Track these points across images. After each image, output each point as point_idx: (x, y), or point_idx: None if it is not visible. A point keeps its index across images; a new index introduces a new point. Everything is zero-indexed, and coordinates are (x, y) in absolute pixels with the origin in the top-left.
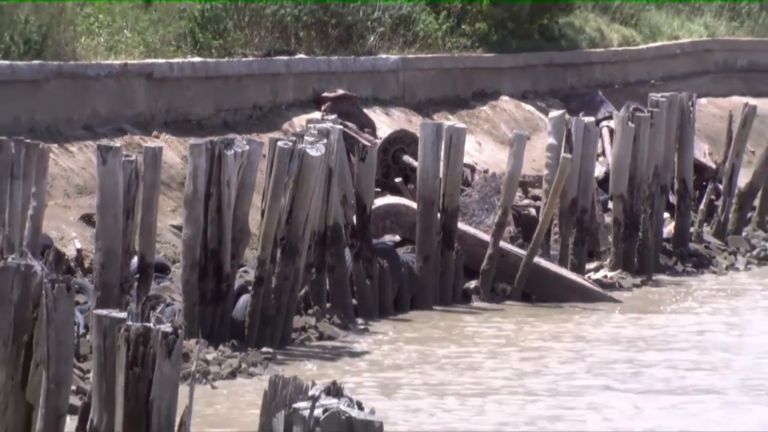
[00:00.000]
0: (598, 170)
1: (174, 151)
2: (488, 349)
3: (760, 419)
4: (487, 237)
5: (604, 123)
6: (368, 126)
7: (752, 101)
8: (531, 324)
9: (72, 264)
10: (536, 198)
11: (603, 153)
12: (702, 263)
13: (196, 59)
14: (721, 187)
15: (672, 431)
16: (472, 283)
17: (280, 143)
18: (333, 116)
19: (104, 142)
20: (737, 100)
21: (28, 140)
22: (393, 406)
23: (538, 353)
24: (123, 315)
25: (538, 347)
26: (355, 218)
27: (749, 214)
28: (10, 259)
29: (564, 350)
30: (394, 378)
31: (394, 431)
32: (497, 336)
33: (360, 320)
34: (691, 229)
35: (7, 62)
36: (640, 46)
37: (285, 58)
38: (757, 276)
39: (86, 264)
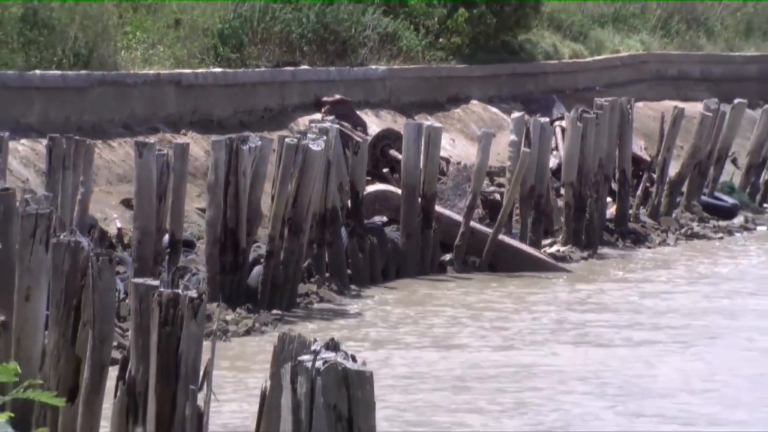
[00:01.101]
0: (552, 162)
1: (198, 146)
2: (459, 311)
3: (680, 367)
4: (459, 218)
5: (557, 123)
6: (360, 125)
7: (681, 105)
8: (495, 290)
9: (113, 240)
10: (500, 185)
11: (556, 148)
12: (639, 239)
13: (217, 70)
14: (654, 176)
15: (609, 372)
16: (447, 256)
17: (287, 140)
18: (331, 117)
19: (140, 138)
20: (668, 104)
21: (77, 137)
22: (381, 356)
23: (501, 313)
24: (156, 283)
25: (501, 308)
26: (349, 202)
27: (678, 199)
28: (62, 237)
29: (522, 311)
30: (381, 334)
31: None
32: (467, 300)
33: (354, 287)
34: (630, 211)
35: (59, 72)
36: (587, 59)
37: (291, 68)
38: (684, 250)
39: (125, 240)
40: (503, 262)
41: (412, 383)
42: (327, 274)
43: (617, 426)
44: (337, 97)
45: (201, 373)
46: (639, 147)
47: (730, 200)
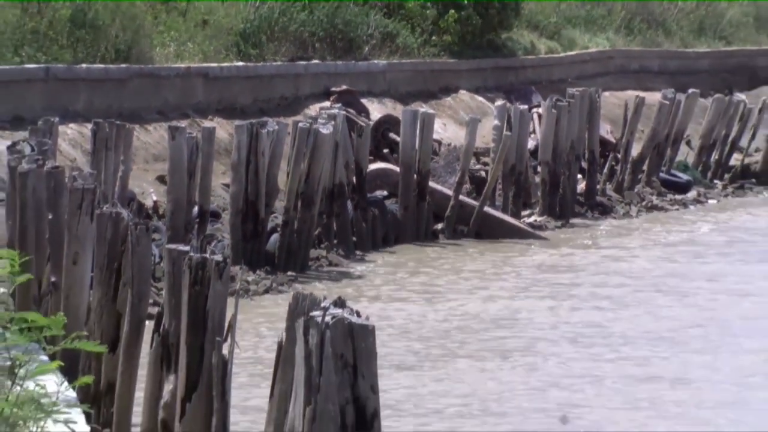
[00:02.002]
0: (530, 144)
1: (223, 130)
2: (449, 272)
3: (635, 319)
4: (449, 192)
5: (535, 110)
6: (364, 112)
7: (642, 94)
8: (481, 254)
9: (149, 212)
10: (485, 164)
11: (534, 131)
12: (605, 211)
13: (240, 63)
14: (619, 156)
15: (578, 322)
16: (439, 225)
17: (300, 124)
18: (338, 105)
19: (173, 123)
20: (631, 93)
21: (118, 122)
22: (382, 311)
23: (485, 274)
24: (187, 249)
25: (485, 269)
26: (354, 178)
27: (639, 176)
28: (104, 209)
29: (503, 272)
30: (382, 292)
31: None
32: (456, 263)
33: (358, 252)
34: (598, 187)
35: (102, 66)
36: (561, 54)
37: (304, 62)
38: (644, 220)
39: (160, 211)
40: (488, 231)
41: (408, 332)
42: (335, 241)
43: (583, 366)
44: (344, 87)
45: (225, 327)
46: (605, 131)
47: (684, 177)
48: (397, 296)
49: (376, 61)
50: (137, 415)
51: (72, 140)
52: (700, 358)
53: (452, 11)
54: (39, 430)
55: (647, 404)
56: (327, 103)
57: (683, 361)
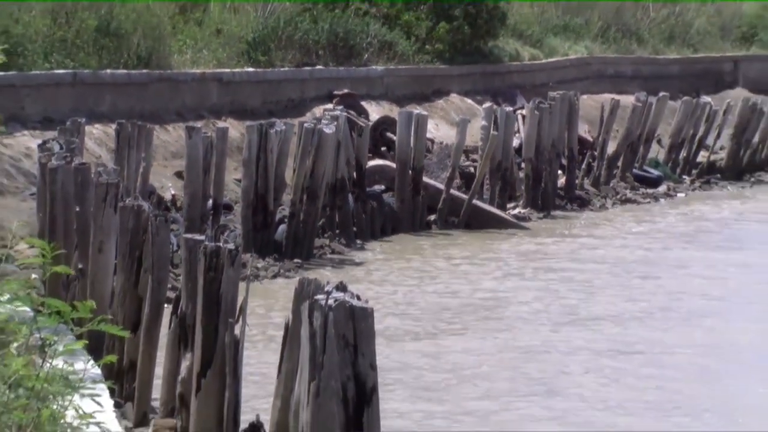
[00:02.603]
0: (515, 142)
1: (235, 130)
2: (441, 259)
3: (607, 300)
4: (441, 186)
5: (519, 111)
6: (364, 113)
7: (616, 97)
8: (470, 242)
9: (168, 204)
10: (474, 161)
11: (518, 131)
12: (583, 204)
13: (250, 69)
14: (595, 153)
15: (555, 302)
16: (432, 217)
17: (305, 125)
18: (340, 107)
19: (189, 124)
20: (607, 96)
21: (139, 123)
22: (381, 294)
23: (474, 260)
24: (202, 238)
25: (474, 256)
26: (354, 174)
27: (614, 171)
28: (127, 201)
29: (490, 258)
30: (380, 277)
31: (391, 305)
32: (448, 250)
33: (358, 241)
34: (576, 181)
35: (125, 71)
36: (543, 61)
37: (309, 68)
38: (619, 212)
39: (178, 204)
40: (476, 221)
41: (405, 312)
42: (337, 231)
43: (559, 340)
44: (345, 91)
45: (237, 309)
46: (583, 130)
47: (655, 173)
48: (393, 281)
49: (374, 67)
50: (156, 390)
51: (97, 139)
52: (665, 334)
53: (443, 22)
54: (67, 404)
55: (616, 375)
56: (330, 105)
57: (650, 337)
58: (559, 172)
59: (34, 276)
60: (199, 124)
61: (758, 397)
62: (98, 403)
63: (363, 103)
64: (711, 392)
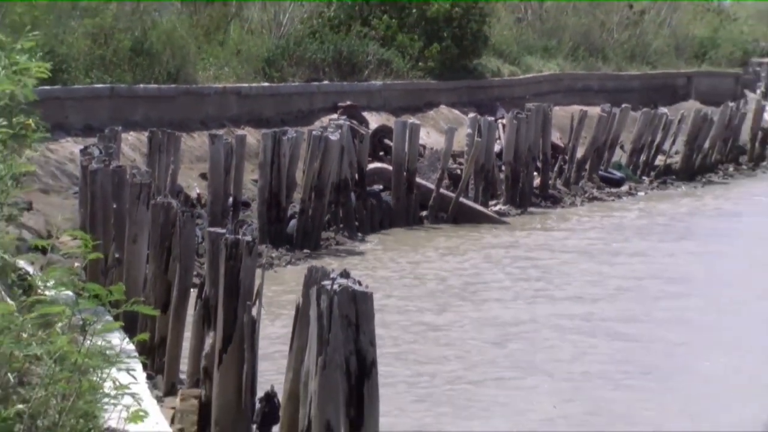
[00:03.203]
0: (497, 147)
1: (252, 137)
2: (431, 249)
3: (575, 282)
4: (432, 186)
5: (500, 120)
6: (364, 122)
7: (585, 108)
8: (457, 235)
9: (194, 201)
10: (461, 164)
11: (499, 138)
12: (556, 201)
13: (265, 84)
14: (566, 157)
15: (528, 283)
16: (424, 213)
17: (313, 132)
18: (344, 117)
19: (212, 131)
20: (576, 108)
21: (169, 130)
22: (379, 279)
23: (460, 249)
24: (223, 231)
25: (460, 246)
26: (356, 175)
27: (583, 173)
28: (158, 199)
29: (475, 248)
30: (379, 265)
31: (389, 288)
32: (437, 242)
33: (359, 234)
34: (550, 182)
35: (156, 86)
36: (520, 76)
37: (316, 83)
38: (587, 209)
39: (202, 201)
40: (462, 217)
41: (402, 294)
42: (341, 225)
43: (530, 315)
44: (348, 103)
45: (254, 293)
46: (556, 137)
47: (618, 174)
48: (390, 267)
49: (373, 82)
50: (184, 364)
51: (132, 145)
52: (626, 311)
53: (435, 44)
54: (105, 376)
55: (579, 342)
56: (335, 116)
57: (612, 312)
58: (535, 173)
59: (76, 264)
60: (220, 131)
61: (704, 364)
62: (132, 376)
63: (363, 114)
64: (663, 359)
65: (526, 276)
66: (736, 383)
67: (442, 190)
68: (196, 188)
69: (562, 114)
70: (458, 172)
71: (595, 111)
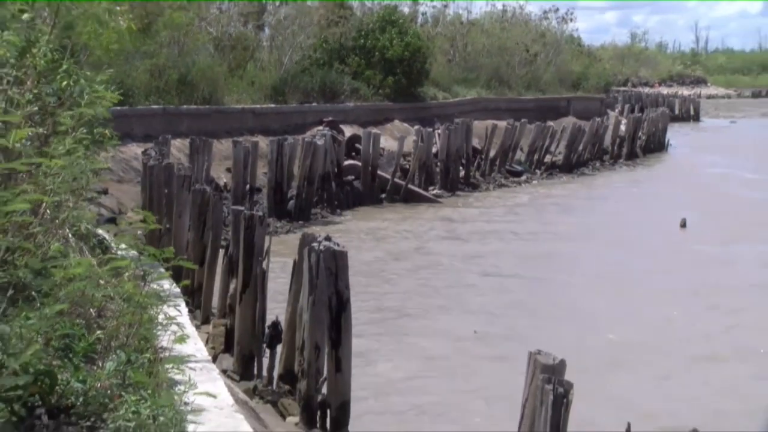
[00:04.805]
0: (434, 149)
1: (263, 143)
2: (388, 222)
3: (491, 253)
4: (388, 176)
5: (437, 131)
6: (341, 133)
7: (495, 122)
8: (406, 211)
9: (222, 188)
10: (409, 161)
11: (436, 143)
12: (475, 187)
13: (273, 105)
14: (483, 156)
15: (460, 251)
16: (383, 195)
17: (306, 139)
18: (327, 129)
19: (235, 139)
20: (490, 122)
21: (204, 138)
22: (354, 243)
23: (407, 221)
24: (242, 209)
25: (408, 218)
26: (336, 169)
27: (494, 167)
28: (196, 186)
29: (419, 221)
30: (352, 233)
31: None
32: (393, 216)
33: (339, 210)
34: (471, 173)
35: (195, 107)
36: (451, 100)
37: (308, 105)
38: (498, 193)
39: (228, 188)
40: (410, 198)
41: (371, 256)
42: (325, 204)
43: (464, 267)
44: (330, 118)
45: (264, 252)
46: (476, 142)
47: (519, 168)
48: (360, 236)
49: (348, 104)
50: (215, 301)
51: (178, 148)
52: (527, 266)
53: (390, 77)
54: (159, 310)
55: (496, 286)
56: (321, 128)
57: (517, 268)
58: (461, 168)
59: (139, 232)
60: (240, 139)
61: (586, 301)
62: (178, 311)
63: (341, 126)
64: (554, 299)
65: (455, 236)
66: (598, 308)
67: (396, 179)
68: (223, 179)
69: (480, 126)
70: (407, 166)
71: (502, 124)
